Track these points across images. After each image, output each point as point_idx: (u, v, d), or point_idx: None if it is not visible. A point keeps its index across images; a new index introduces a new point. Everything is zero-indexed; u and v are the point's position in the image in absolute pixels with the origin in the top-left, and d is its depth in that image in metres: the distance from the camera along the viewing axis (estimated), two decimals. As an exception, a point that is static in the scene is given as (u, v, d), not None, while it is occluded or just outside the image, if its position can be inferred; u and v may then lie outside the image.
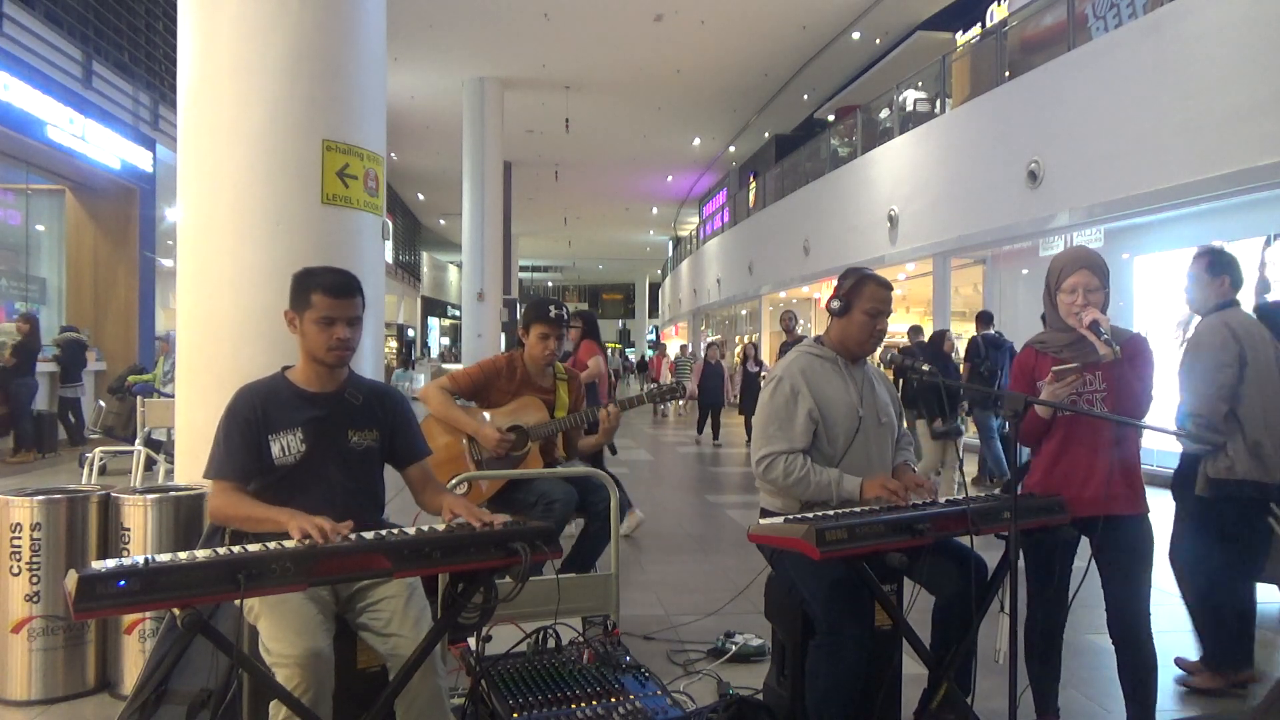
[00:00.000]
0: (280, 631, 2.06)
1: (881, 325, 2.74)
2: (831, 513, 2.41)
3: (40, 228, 12.72)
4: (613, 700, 2.34)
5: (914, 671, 2.73)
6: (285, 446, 2.33)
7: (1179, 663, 3.56)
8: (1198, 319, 3.58)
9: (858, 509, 2.45)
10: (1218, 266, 3.57)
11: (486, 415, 3.66)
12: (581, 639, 2.89)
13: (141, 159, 12.30)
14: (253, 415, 2.33)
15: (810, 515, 2.36)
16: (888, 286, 2.77)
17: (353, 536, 2.01)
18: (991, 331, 8.71)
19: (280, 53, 3.38)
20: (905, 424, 3.07)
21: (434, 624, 2.19)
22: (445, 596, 2.20)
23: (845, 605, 2.43)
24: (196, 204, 3.46)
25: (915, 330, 10.64)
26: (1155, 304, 9.53)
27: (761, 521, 2.51)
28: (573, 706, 2.31)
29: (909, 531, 2.29)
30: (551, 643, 2.73)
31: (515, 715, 2.27)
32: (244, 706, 2.25)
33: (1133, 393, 2.58)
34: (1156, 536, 2.66)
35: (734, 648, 3.57)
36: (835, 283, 2.84)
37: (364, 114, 3.63)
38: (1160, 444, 8.70)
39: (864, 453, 2.72)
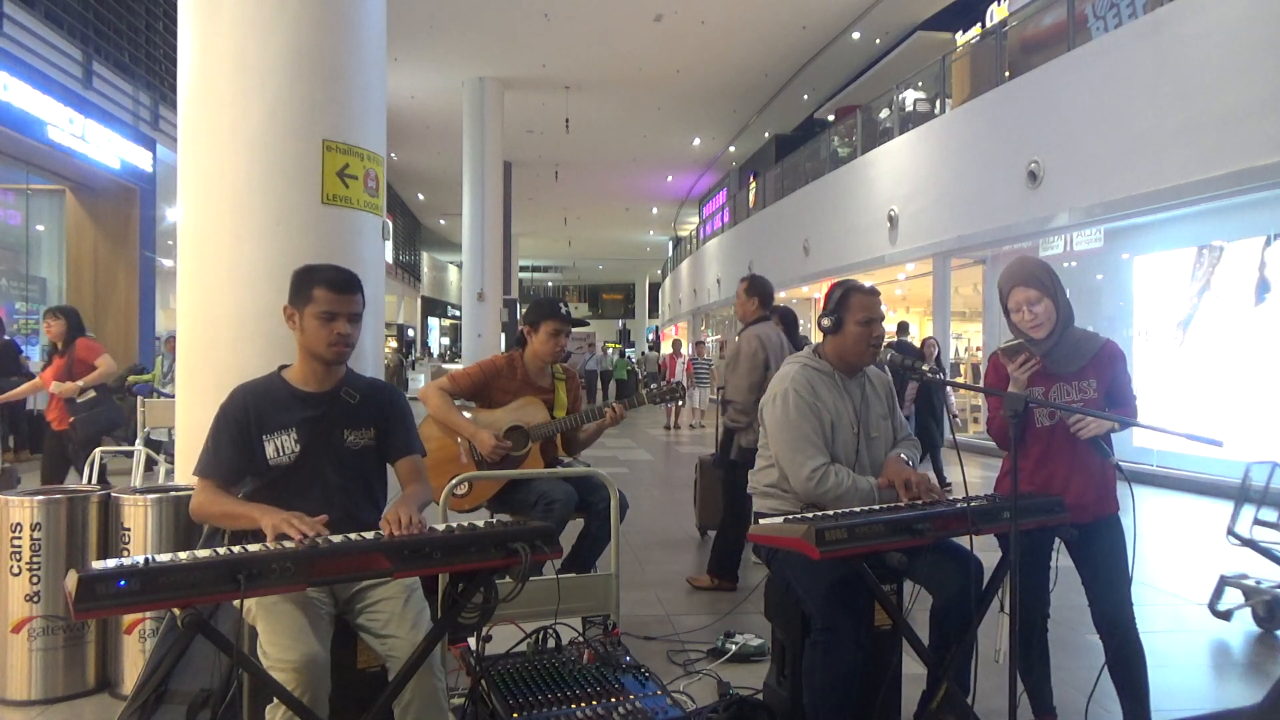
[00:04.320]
0: (277, 636, 2.06)
1: (877, 331, 2.74)
2: (831, 513, 2.42)
3: (40, 228, 12.71)
4: (613, 700, 2.34)
5: (914, 671, 2.74)
6: (280, 447, 2.32)
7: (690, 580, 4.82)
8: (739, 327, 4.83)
9: (857, 509, 2.46)
10: (753, 289, 4.79)
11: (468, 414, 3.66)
12: (581, 639, 2.89)
13: (141, 159, 12.30)
14: (244, 416, 2.33)
15: (810, 515, 2.37)
16: (875, 293, 2.79)
17: (338, 538, 2.00)
18: (906, 338, 9.89)
19: (280, 53, 3.38)
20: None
21: (434, 624, 2.19)
22: (445, 596, 2.20)
23: (840, 603, 2.43)
24: (196, 204, 3.46)
25: (904, 327, 10.63)
26: (1155, 304, 9.54)
27: (760, 522, 2.51)
28: (573, 706, 2.30)
29: (909, 531, 2.29)
30: (551, 643, 2.73)
31: (515, 715, 2.26)
32: (244, 706, 2.25)
33: (1123, 395, 2.66)
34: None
35: (734, 648, 3.57)
36: (830, 287, 2.85)
37: (364, 114, 3.63)
38: (1162, 444, 8.71)
39: (860, 467, 2.74)
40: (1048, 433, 2.66)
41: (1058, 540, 2.65)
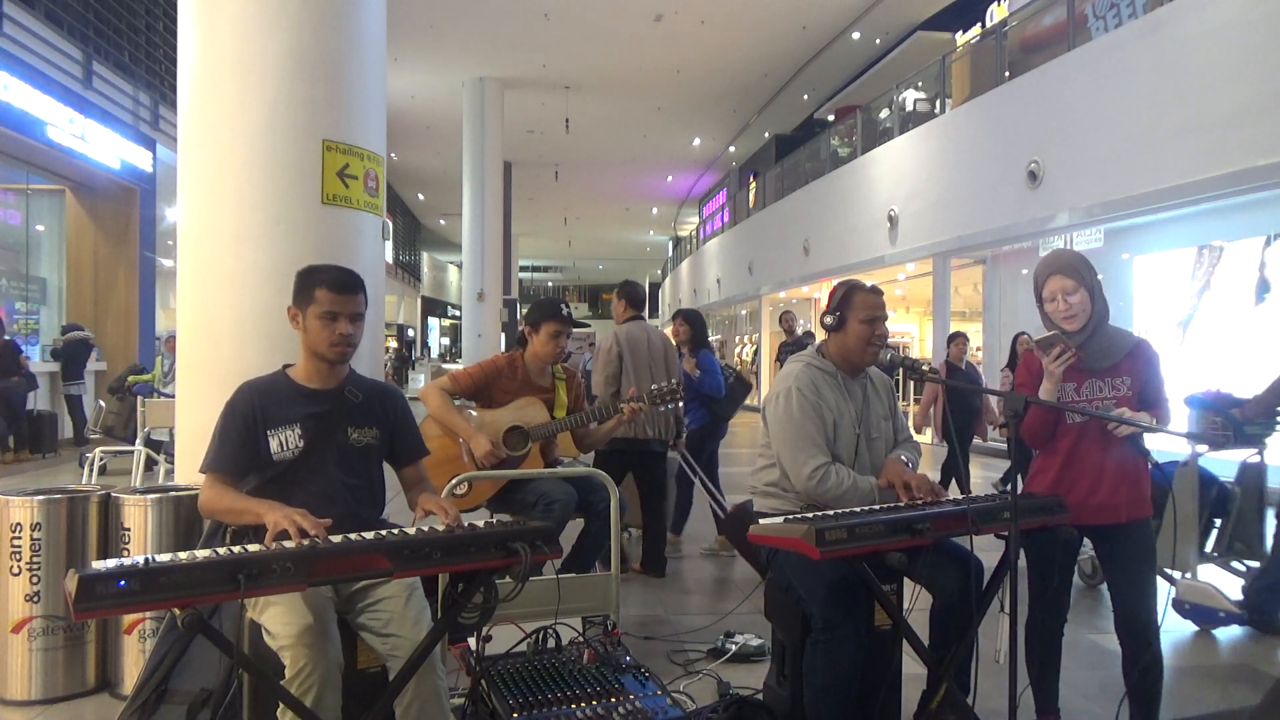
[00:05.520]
0: (286, 614, 2.08)
1: (880, 331, 2.73)
2: (831, 513, 2.42)
3: (40, 228, 12.72)
4: (613, 700, 2.34)
5: (914, 671, 2.73)
6: (284, 442, 2.34)
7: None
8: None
9: (857, 509, 2.46)
10: (620, 294, 5.37)
11: (474, 413, 3.66)
12: (581, 639, 2.89)
13: (141, 159, 12.30)
14: (250, 412, 2.34)
15: (810, 515, 2.37)
16: (878, 293, 2.78)
17: (338, 537, 2.00)
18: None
19: (280, 52, 3.38)
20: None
21: (434, 624, 2.20)
22: (445, 596, 2.20)
23: (841, 602, 2.43)
24: (197, 204, 3.46)
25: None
26: (1155, 304, 9.54)
27: (761, 522, 2.51)
28: (573, 706, 2.31)
29: (909, 531, 2.29)
30: (551, 643, 2.73)
31: (515, 715, 2.27)
32: (244, 706, 2.25)
33: (1156, 396, 2.62)
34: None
35: (734, 648, 3.57)
36: (833, 286, 2.84)
37: (364, 114, 3.63)
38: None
39: (860, 468, 2.74)
40: (1078, 429, 2.63)
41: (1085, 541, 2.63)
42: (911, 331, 18.39)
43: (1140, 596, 2.59)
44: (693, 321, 5.83)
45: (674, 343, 5.72)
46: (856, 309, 2.72)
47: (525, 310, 4.10)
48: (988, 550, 2.50)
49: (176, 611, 1.75)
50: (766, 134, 23.65)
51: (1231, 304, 8.50)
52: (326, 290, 2.34)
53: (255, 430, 2.33)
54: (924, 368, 2.68)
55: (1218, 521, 4.38)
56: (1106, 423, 2.55)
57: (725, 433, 6.06)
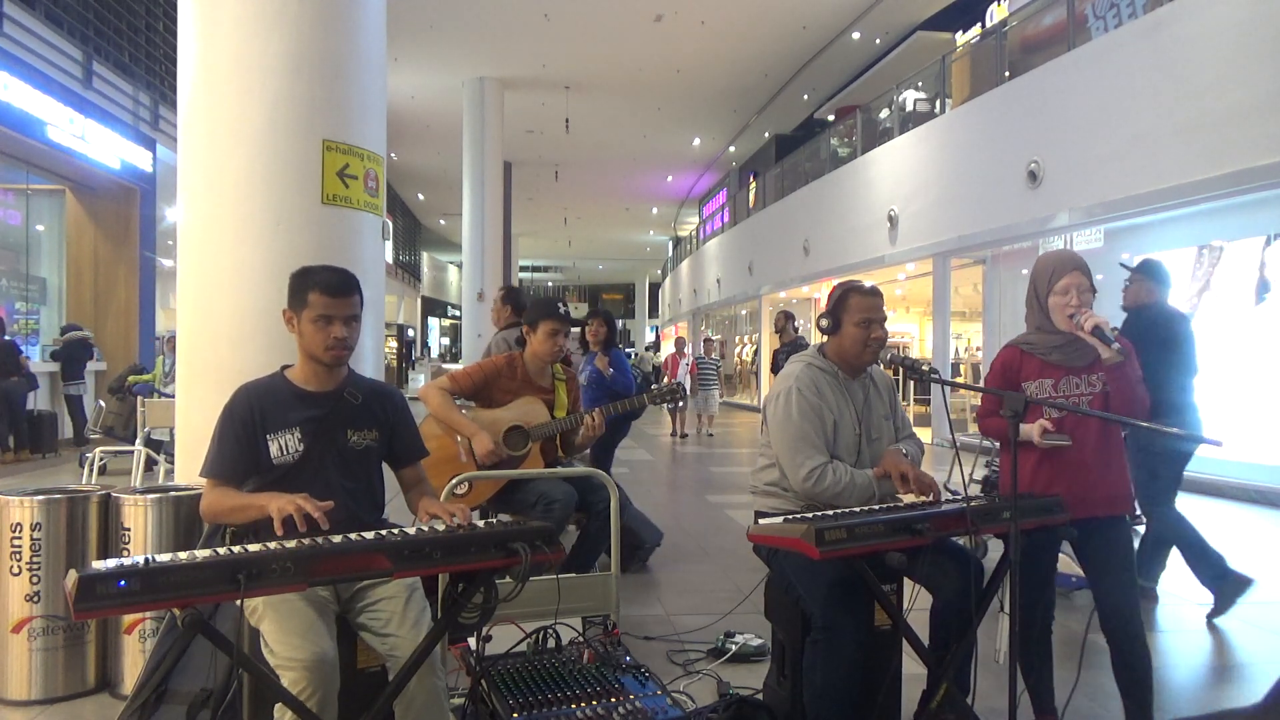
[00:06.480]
0: (285, 635, 2.06)
1: (876, 333, 2.72)
2: (830, 512, 2.42)
3: (40, 228, 12.72)
4: (613, 700, 2.34)
5: (914, 671, 2.74)
6: (283, 446, 2.33)
7: None
8: None
9: (857, 509, 2.46)
10: (507, 300, 5.57)
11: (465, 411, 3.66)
12: (581, 639, 2.89)
13: (141, 159, 12.31)
14: (249, 416, 2.33)
15: (810, 515, 2.37)
16: (876, 294, 2.76)
17: (338, 537, 2.00)
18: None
19: (280, 53, 3.38)
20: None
21: (434, 624, 2.20)
22: (445, 596, 2.20)
23: (841, 602, 2.43)
24: (197, 204, 3.46)
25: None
26: (1155, 304, 9.52)
27: (760, 522, 2.51)
28: (573, 706, 2.31)
29: (908, 531, 2.29)
30: (551, 643, 2.73)
31: (515, 715, 2.27)
32: (244, 706, 2.25)
33: (1133, 393, 2.62)
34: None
35: (734, 648, 3.57)
36: (834, 284, 2.83)
37: (364, 114, 3.63)
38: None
39: (860, 468, 2.73)
40: (1054, 426, 2.64)
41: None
42: (911, 331, 18.40)
43: (1122, 593, 2.61)
44: (610, 322, 6.03)
45: (591, 342, 5.84)
46: (851, 311, 2.72)
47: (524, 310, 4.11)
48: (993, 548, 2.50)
49: (176, 611, 1.75)
50: (766, 134, 23.65)
51: (1231, 304, 8.50)
52: (320, 294, 2.31)
53: (254, 434, 2.32)
54: (924, 368, 2.68)
55: None
56: (1078, 318, 2.56)
57: (629, 431, 6.22)
